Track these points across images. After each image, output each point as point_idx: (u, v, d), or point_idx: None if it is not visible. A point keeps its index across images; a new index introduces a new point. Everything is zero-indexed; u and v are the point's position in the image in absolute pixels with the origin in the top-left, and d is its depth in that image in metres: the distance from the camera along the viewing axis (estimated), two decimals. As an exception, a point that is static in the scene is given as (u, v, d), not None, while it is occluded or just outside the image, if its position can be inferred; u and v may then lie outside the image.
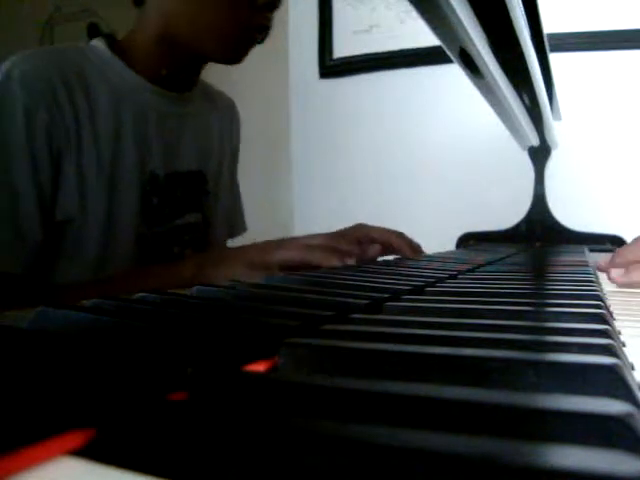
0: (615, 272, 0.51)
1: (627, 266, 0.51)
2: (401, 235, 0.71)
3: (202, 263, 0.63)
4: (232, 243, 0.97)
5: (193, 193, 0.80)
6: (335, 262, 0.56)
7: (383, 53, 1.57)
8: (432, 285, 0.41)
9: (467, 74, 0.63)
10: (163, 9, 0.69)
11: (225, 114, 0.90)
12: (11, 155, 0.60)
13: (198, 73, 0.78)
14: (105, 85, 0.68)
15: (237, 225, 0.96)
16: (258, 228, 1.04)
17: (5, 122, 0.60)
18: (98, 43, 0.71)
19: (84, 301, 0.28)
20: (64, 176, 0.64)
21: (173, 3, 0.68)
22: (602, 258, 0.57)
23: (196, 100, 0.81)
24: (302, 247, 0.59)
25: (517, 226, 1.22)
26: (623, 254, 0.55)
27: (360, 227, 0.70)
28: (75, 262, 0.67)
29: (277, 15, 0.76)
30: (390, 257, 0.70)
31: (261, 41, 0.72)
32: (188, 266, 0.63)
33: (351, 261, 0.56)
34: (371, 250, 0.61)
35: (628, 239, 1.06)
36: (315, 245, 0.60)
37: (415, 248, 0.72)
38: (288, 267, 0.58)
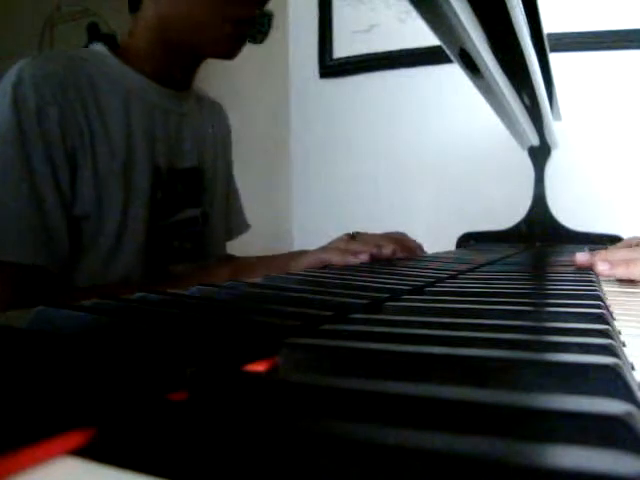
0: (601, 266, 0.55)
1: (614, 263, 0.55)
2: (396, 238, 0.74)
3: (236, 271, 0.67)
4: (238, 241, 0.99)
5: (192, 189, 0.82)
6: (348, 259, 0.61)
7: (383, 53, 1.57)
8: (432, 285, 0.41)
9: (467, 74, 0.63)
10: (157, 12, 0.73)
11: (214, 116, 0.93)
12: (29, 154, 0.62)
13: (195, 70, 0.81)
14: (112, 85, 0.71)
15: (239, 224, 0.99)
16: (257, 228, 1.04)
17: (20, 122, 0.62)
18: (100, 47, 0.74)
19: (84, 301, 0.28)
20: (80, 173, 0.66)
21: (165, 6, 0.72)
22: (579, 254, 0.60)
23: (191, 100, 0.84)
24: (319, 251, 0.65)
25: (517, 226, 1.22)
26: (610, 251, 0.60)
27: (365, 234, 0.75)
28: (89, 255, 0.69)
29: (277, 15, 0.77)
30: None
31: (260, 40, 0.76)
32: (220, 274, 0.67)
33: (365, 258, 0.61)
34: (385, 249, 0.64)
35: (628, 239, 1.06)
36: (331, 247, 0.66)
37: (406, 248, 0.74)
38: None
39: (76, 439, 0.12)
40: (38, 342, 0.20)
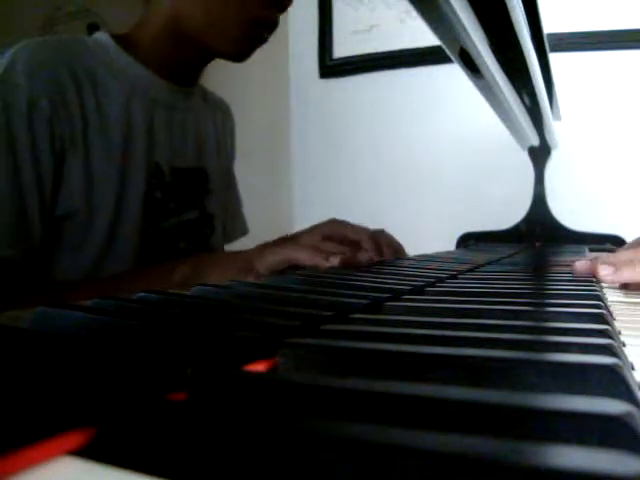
0: (603, 270, 0.47)
1: (617, 265, 0.48)
2: (376, 236, 0.68)
3: (196, 265, 0.62)
4: (232, 246, 0.96)
5: (196, 189, 0.79)
6: (319, 261, 0.55)
7: (383, 53, 1.57)
8: (432, 285, 0.41)
9: (467, 74, 0.63)
10: (173, 4, 0.69)
11: (220, 115, 0.90)
12: (13, 144, 0.59)
13: (202, 68, 0.78)
14: (113, 77, 0.68)
15: (237, 227, 0.96)
16: (258, 228, 1.03)
17: (8, 111, 0.59)
18: (102, 36, 0.70)
19: (84, 301, 0.28)
20: (69, 170, 0.63)
21: None
22: (579, 261, 0.52)
23: (196, 98, 0.81)
24: (288, 248, 0.59)
25: (517, 226, 1.22)
26: (615, 255, 0.52)
27: (333, 223, 0.68)
28: (78, 254, 0.66)
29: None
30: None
31: (266, 39, 0.73)
32: (181, 268, 0.62)
33: (335, 261, 0.55)
34: (361, 255, 0.58)
35: (628, 239, 1.06)
36: (301, 245, 0.59)
37: (388, 250, 0.68)
38: (277, 271, 0.58)
39: (76, 439, 0.12)
40: (38, 342, 0.20)
